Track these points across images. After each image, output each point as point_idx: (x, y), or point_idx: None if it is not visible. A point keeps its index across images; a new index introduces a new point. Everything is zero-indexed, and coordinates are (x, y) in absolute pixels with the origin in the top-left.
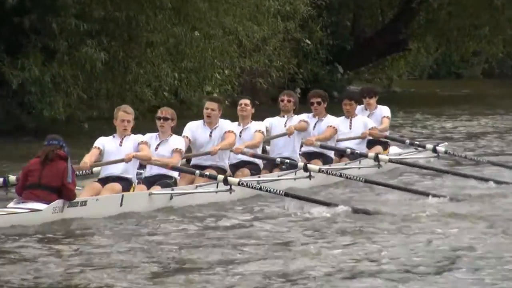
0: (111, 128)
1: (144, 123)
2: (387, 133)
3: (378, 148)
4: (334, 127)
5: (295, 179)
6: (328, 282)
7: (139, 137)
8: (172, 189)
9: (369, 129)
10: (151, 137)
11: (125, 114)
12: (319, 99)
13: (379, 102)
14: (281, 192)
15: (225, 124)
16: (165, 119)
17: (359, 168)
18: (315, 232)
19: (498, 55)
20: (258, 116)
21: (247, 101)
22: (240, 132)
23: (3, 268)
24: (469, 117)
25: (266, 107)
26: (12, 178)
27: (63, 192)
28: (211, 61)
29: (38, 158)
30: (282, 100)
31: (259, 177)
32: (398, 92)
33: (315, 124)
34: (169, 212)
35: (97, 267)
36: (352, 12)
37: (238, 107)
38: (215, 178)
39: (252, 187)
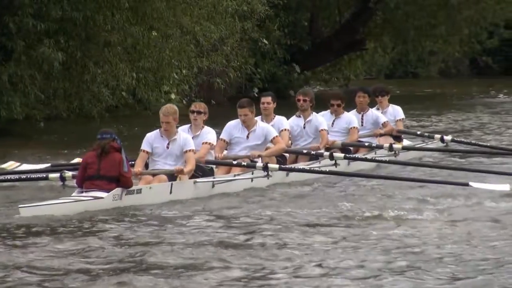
0: (68, 127)
1: (102, 123)
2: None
3: (390, 140)
4: (357, 128)
5: (252, 179)
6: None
7: (186, 144)
8: (214, 178)
9: (382, 124)
10: (183, 130)
11: (163, 116)
12: (339, 102)
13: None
14: (327, 170)
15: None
16: (199, 112)
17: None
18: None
19: (454, 54)
20: (216, 116)
21: (269, 99)
22: None
23: (76, 248)
24: (427, 117)
25: (223, 107)
26: (68, 174)
27: (120, 181)
28: (168, 61)
29: (94, 152)
30: (298, 100)
31: (214, 178)
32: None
33: (334, 121)
34: (212, 198)
35: (155, 245)
36: (309, 12)
37: (261, 105)
38: (254, 166)
39: (294, 171)
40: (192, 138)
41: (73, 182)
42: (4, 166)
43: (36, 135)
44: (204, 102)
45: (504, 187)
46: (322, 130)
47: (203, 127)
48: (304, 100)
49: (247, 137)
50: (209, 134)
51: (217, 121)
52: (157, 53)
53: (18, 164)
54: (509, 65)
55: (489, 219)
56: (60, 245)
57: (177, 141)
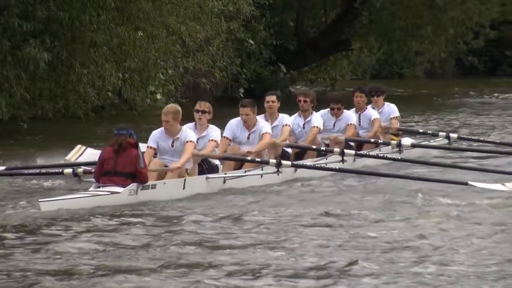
0: (54, 128)
1: (88, 123)
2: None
3: (389, 137)
4: (354, 124)
5: (261, 175)
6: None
7: (186, 136)
8: (225, 174)
9: (372, 121)
10: (188, 127)
11: (163, 115)
12: (339, 105)
13: None
14: (336, 167)
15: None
16: (203, 112)
17: (377, 153)
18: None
19: (440, 55)
20: None
21: (274, 98)
22: (271, 130)
23: (92, 240)
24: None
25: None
26: (80, 169)
27: (136, 176)
28: (154, 61)
29: (111, 147)
30: (299, 101)
31: (225, 173)
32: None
33: (335, 122)
34: (223, 193)
35: (168, 240)
36: (295, 12)
37: (266, 104)
38: (267, 162)
39: (305, 167)
40: (199, 138)
41: (87, 177)
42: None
43: (21, 135)
44: (189, 102)
45: (503, 187)
46: (313, 127)
47: (207, 126)
48: (305, 101)
49: (248, 138)
50: (214, 132)
51: None
52: (143, 53)
53: (84, 148)
54: (494, 66)
55: (489, 220)
56: (79, 239)
57: (180, 139)
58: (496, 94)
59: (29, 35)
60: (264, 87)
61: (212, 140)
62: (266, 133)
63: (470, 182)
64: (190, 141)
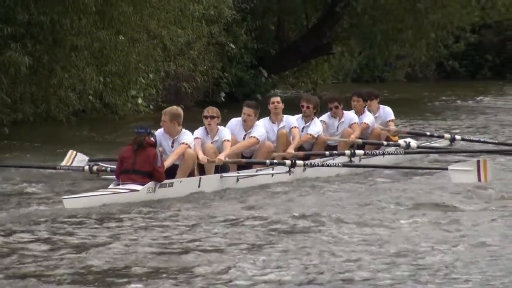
0: (35, 132)
1: (69, 127)
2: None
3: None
4: (356, 123)
5: (272, 174)
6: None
7: (183, 138)
8: (238, 173)
9: (352, 125)
10: (201, 133)
11: (162, 115)
12: (336, 104)
13: None
14: (340, 164)
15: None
16: (212, 117)
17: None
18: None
19: (421, 58)
20: (184, 120)
21: (279, 99)
22: (277, 131)
23: (113, 234)
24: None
25: (190, 112)
26: (94, 168)
27: (154, 175)
28: (135, 65)
29: (130, 146)
30: (302, 106)
31: (238, 172)
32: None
33: (338, 125)
34: (236, 191)
35: (188, 231)
36: (276, 16)
37: (271, 105)
38: (283, 164)
39: (316, 166)
40: (212, 143)
41: (103, 174)
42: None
43: (1, 139)
44: (170, 106)
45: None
46: (307, 134)
47: (217, 129)
48: (308, 107)
49: (244, 138)
50: (225, 132)
51: (184, 126)
52: (124, 57)
53: (75, 152)
54: (475, 69)
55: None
56: (101, 234)
57: (178, 140)
58: (479, 98)
59: (10, 39)
60: (245, 91)
61: (226, 140)
62: (293, 127)
63: (450, 167)
64: (184, 143)
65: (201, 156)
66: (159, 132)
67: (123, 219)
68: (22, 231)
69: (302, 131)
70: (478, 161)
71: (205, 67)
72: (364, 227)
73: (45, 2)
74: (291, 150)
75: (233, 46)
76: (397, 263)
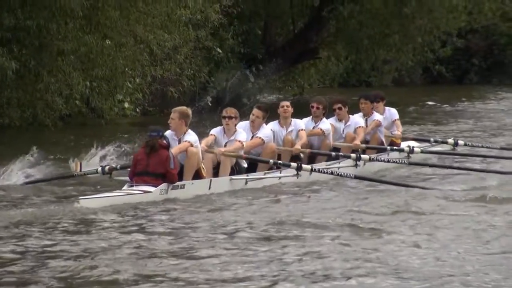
0: (22, 137)
1: (56, 132)
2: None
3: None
4: (362, 127)
5: (279, 177)
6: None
7: (188, 137)
8: (247, 175)
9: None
10: (218, 133)
11: (172, 113)
12: (339, 105)
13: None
14: (351, 175)
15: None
16: (230, 117)
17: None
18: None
19: (408, 63)
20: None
21: (288, 103)
22: (286, 135)
23: (126, 232)
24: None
25: None
26: (106, 168)
27: (167, 176)
28: (122, 70)
29: (143, 149)
30: (312, 107)
31: (247, 175)
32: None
33: (344, 129)
34: (245, 193)
35: (197, 238)
36: (263, 20)
37: (280, 109)
38: (289, 165)
39: (324, 173)
40: (227, 142)
41: (117, 174)
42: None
43: None
44: (157, 111)
45: None
46: (300, 129)
47: (235, 130)
48: (318, 108)
49: (251, 139)
50: (240, 134)
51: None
52: (111, 61)
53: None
54: (462, 74)
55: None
56: (116, 233)
57: (183, 139)
58: (466, 102)
59: None
60: (231, 95)
61: (237, 140)
62: (300, 129)
63: None
64: (186, 140)
65: (203, 144)
66: (167, 133)
67: (136, 218)
68: (41, 229)
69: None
70: None
71: (191, 72)
72: (364, 233)
73: (31, 6)
74: (298, 146)
75: (219, 51)
76: (399, 273)
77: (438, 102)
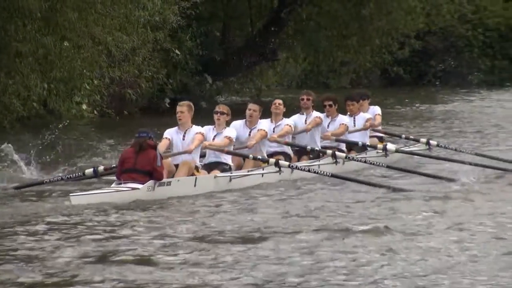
0: None
1: (13, 133)
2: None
3: (376, 140)
4: (346, 125)
5: (262, 174)
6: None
7: (197, 129)
8: (231, 173)
9: (366, 121)
10: (209, 129)
11: (178, 106)
12: (330, 102)
13: None
14: (327, 173)
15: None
16: (221, 113)
17: (365, 158)
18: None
19: (366, 65)
20: (130, 125)
21: (281, 101)
22: (274, 129)
23: (116, 230)
24: None
25: (134, 118)
26: (101, 168)
27: (153, 174)
28: (80, 71)
29: (132, 148)
30: (302, 99)
31: (231, 173)
32: (267, 102)
33: (329, 123)
34: (230, 191)
35: (181, 233)
36: (221, 22)
37: (272, 106)
38: (267, 161)
39: (303, 170)
40: (215, 135)
41: (106, 174)
42: None
43: None
44: (115, 113)
45: None
46: (286, 124)
47: (225, 127)
48: (308, 99)
49: (249, 134)
50: (230, 131)
51: (129, 132)
52: (69, 63)
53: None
54: (420, 76)
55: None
56: (103, 229)
57: (191, 131)
58: (424, 104)
59: None
60: (190, 97)
61: (226, 137)
62: (286, 124)
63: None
64: (199, 132)
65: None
66: (169, 131)
67: (125, 214)
68: (31, 224)
69: (305, 122)
70: None
71: (149, 73)
72: (343, 232)
73: None
74: (275, 135)
75: (178, 52)
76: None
77: (395, 103)
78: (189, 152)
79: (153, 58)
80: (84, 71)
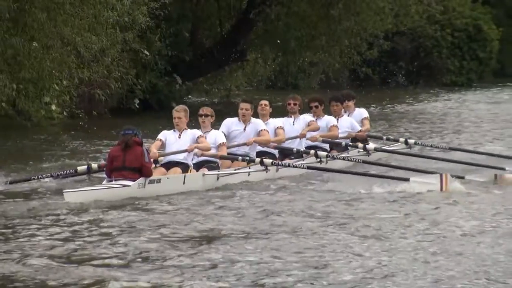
0: None
1: None
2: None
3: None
4: (336, 126)
5: (249, 173)
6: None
7: (197, 131)
8: (219, 171)
9: (356, 133)
10: (170, 134)
11: (175, 112)
12: (316, 103)
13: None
14: (304, 166)
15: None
16: (206, 115)
17: (348, 157)
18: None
19: (334, 65)
20: (100, 126)
21: (267, 102)
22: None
23: (108, 225)
24: None
25: (104, 119)
26: (95, 165)
27: (142, 170)
28: (49, 72)
29: (118, 146)
30: (289, 104)
31: (218, 171)
32: (236, 103)
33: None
34: (218, 188)
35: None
36: (190, 23)
37: (259, 107)
38: (253, 161)
39: (284, 166)
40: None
41: (99, 172)
42: None
43: None
44: (84, 113)
45: (437, 184)
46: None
47: (210, 129)
48: (295, 104)
49: (244, 129)
50: (221, 136)
51: (99, 133)
52: (38, 64)
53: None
54: (389, 76)
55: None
56: (94, 225)
57: (187, 132)
58: (392, 104)
59: None
60: (159, 98)
61: (222, 143)
62: (263, 130)
63: (411, 179)
64: (202, 136)
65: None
66: (165, 132)
67: (115, 211)
68: (26, 223)
69: (293, 125)
70: (441, 175)
71: (119, 74)
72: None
73: None
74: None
75: (147, 53)
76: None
77: (364, 104)
78: (189, 151)
79: (122, 58)
80: (53, 71)
